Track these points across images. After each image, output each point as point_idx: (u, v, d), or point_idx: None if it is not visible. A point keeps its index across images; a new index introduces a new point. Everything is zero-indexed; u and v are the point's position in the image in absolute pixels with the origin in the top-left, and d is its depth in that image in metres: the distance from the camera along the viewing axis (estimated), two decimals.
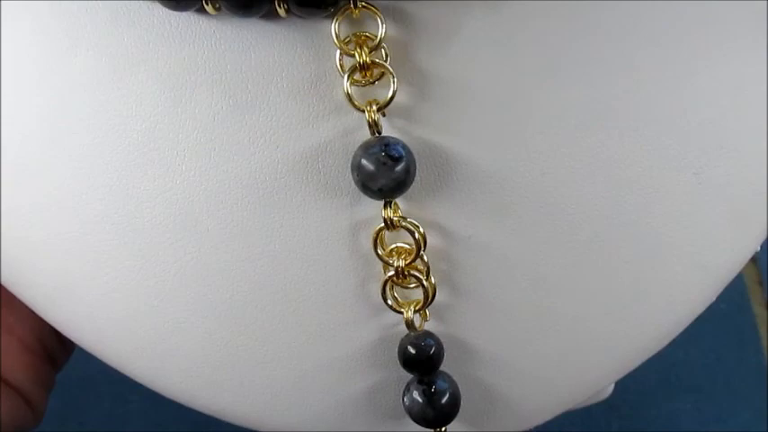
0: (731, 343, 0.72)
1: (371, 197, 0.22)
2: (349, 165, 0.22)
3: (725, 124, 0.23)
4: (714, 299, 0.27)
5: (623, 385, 0.65)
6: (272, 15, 0.21)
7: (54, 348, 0.29)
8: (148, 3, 0.21)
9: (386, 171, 0.21)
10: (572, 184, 0.22)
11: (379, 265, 0.23)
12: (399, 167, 0.21)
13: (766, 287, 0.74)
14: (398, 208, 0.22)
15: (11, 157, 0.23)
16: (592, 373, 0.26)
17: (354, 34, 0.21)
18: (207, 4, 0.21)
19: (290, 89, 0.22)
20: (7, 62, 0.22)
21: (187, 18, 0.21)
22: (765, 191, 0.25)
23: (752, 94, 0.24)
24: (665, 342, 0.27)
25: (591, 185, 0.23)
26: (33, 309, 0.25)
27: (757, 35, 0.23)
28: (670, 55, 0.22)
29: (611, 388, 0.35)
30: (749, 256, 0.27)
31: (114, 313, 0.23)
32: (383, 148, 0.21)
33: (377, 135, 0.22)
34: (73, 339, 0.25)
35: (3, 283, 0.25)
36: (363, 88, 0.22)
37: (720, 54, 0.23)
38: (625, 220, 0.23)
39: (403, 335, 0.23)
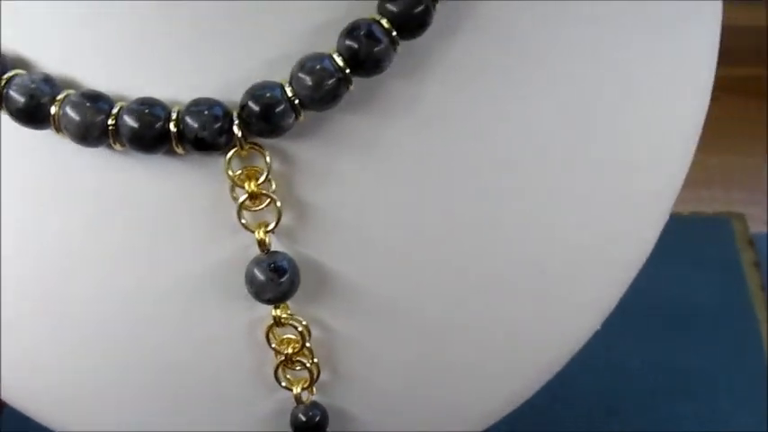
0: (733, 348, 0.73)
1: (263, 303, 0.27)
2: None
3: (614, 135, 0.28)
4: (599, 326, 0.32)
5: (623, 388, 0.68)
6: (173, 152, 0.25)
7: None
8: (66, 138, 0.25)
9: (273, 284, 0.26)
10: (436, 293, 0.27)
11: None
12: (284, 279, 0.26)
13: None
14: (287, 307, 0.27)
15: None
16: (487, 409, 0.31)
17: (245, 167, 0.26)
18: (114, 144, 0.25)
19: (192, 213, 0.26)
20: None
21: (100, 151, 0.26)
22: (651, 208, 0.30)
23: (647, 93, 0.28)
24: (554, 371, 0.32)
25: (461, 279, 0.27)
26: None
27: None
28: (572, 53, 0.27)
29: None
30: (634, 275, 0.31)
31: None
32: (271, 263, 0.26)
33: (266, 252, 0.26)
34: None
35: None
36: (256, 212, 0.26)
37: (626, 55, 0.27)
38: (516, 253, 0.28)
39: (295, 407, 0.28)
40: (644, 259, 0.31)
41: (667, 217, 0.32)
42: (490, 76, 0.26)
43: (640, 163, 0.29)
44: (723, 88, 0.86)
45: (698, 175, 0.80)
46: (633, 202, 0.29)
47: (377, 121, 0.26)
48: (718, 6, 0.31)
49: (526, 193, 0.27)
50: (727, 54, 0.88)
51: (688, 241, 0.77)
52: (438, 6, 0.25)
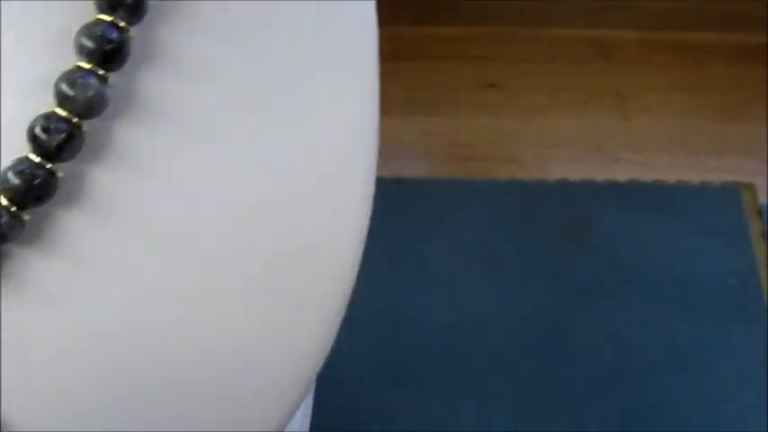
0: (738, 319, 0.73)
1: None
2: None
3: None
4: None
5: (624, 360, 0.69)
6: None
7: None
8: None
9: None
10: None
11: None
12: None
13: None
14: None
15: None
16: None
17: None
18: None
19: None
20: None
21: None
22: None
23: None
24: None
25: None
26: None
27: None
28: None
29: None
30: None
31: None
32: None
33: None
34: None
35: None
36: None
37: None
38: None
39: None
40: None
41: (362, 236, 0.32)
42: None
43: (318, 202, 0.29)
44: (736, 55, 0.84)
45: (708, 144, 0.80)
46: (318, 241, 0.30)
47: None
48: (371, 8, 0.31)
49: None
50: (740, 21, 0.85)
51: (696, 211, 0.76)
52: (61, 175, 0.26)
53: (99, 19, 0.26)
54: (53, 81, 0.26)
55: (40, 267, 0.27)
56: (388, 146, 0.83)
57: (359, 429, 0.67)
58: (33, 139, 0.26)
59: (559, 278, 0.74)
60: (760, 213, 0.73)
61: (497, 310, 0.73)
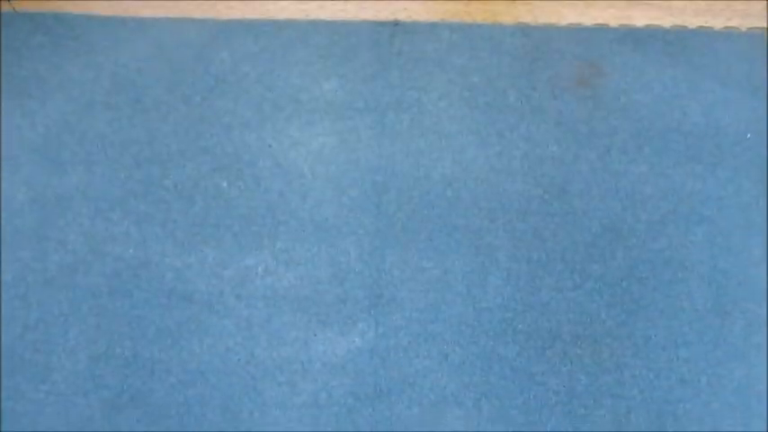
0: (751, 174, 0.70)
1: None
2: None
3: None
4: None
5: (633, 215, 0.67)
6: None
7: None
8: None
9: None
10: None
11: None
12: None
13: None
14: None
15: None
16: None
17: None
18: None
19: None
20: None
21: None
22: None
23: None
24: None
25: None
26: None
27: None
28: None
29: None
30: None
31: None
32: None
33: None
34: None
35: None
36: None
37: None
38: None
39: None
40: None
41: None
42: None
43: None
44: None
45: None
46: None
47: None
48: None
49: None
50: None
51: (717, 59, 0.71)
52: None
53: None
54: None
55: None
56: None
57: (355, 288, 0.65)
58: None
59: (567, 129, 0.71)
60: None
61: (498, 163, 0.70)
